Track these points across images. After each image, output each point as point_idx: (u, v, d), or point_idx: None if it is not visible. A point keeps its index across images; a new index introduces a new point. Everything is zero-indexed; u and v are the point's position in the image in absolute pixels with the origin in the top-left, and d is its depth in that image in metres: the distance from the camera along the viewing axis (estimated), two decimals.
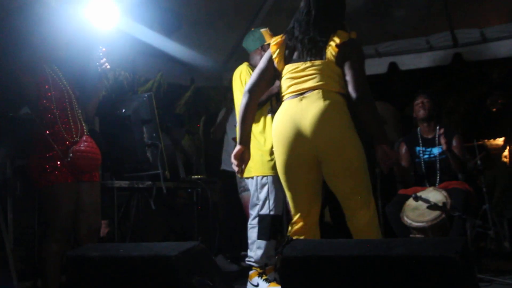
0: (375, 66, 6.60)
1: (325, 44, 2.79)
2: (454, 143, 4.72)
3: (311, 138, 2.73)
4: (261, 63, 2.99)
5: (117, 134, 3.91)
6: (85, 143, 3.25)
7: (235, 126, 4.89)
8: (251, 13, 6.48)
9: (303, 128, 2.74)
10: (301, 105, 2.78)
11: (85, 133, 3.34)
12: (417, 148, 4.89)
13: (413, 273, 1.86)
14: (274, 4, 6.39)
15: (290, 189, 2.89)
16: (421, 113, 4.86)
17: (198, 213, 5.03)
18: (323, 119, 2.72)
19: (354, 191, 2.77)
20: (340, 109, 2.78)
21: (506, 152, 6.08)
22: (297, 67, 2.85)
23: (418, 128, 4.97)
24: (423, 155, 4.82)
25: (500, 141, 6.84)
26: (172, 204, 5.10)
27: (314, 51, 2.81)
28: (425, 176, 4.76)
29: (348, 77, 2.77)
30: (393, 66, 6.65)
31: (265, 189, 3.95)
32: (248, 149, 2.97)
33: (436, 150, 4.79)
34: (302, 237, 2.84)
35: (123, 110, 3.86)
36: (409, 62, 6.67)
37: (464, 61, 6.37)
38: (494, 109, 6.94)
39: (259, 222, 3.98)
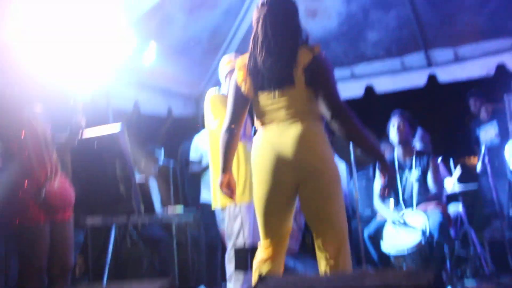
0: (352, 90, 6.64)
1: (291, 68, 2.70)
2: (429, 166, 4.71)
3: (293, 165, 2.69)
4: (231, 95, 2.90)
5: (89, 169, 3.84)
6: (58, 182, 3.22)
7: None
8: (226, 41, 6.50)
9: (285, 156, 2.70)
10: (279, 133, 2.74)
11: (58, 171, 3.30)
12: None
13: None
14: (248, 30, 6.40)
15: (265, 216, 2.82)
16: (396, 136, 4.81)
17: (177, 247, 4.96)
18: (303, 145, 2.68)
19: (329, 215, 2.71)
20: (319, 133, 2.74)
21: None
22: (267, 95, 2.77)
23: (394, 151, 4.96)
24: (400, 178, 4.78)
25: (472, 160, 6.89)
26: (149, 238, 5.01)
27: (280, 78, 2.72)
28: (402, 199, 4.73)
29: (322, 99, 2.71)
30: (369, 90, 6.68)
31: (238, 219, 3.90)
32: (232, 176, 2.94)
33: (412, 174, 4.77)
34: (267, 264, 2.79)
35: (95, 146, 3.80)
36: (385, 84, 6.72)
37: (439, 83, 6.43)
38: (464, 130, 6.99)
39: (235, 254, 3.92)
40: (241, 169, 3.92)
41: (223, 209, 4.06)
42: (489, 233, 5.35)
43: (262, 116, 2.82)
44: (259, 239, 3.83)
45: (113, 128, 3.92)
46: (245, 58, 2.85)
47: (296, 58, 2.70)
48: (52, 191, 3.18)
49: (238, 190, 3.88)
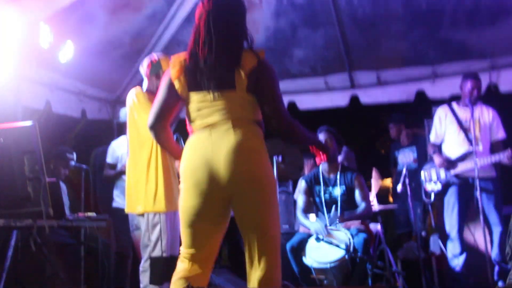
0: None
1: (233, 71, 2.53)
2: (356, 183, 4.71)
3: (227, 177, 2.49)
4: (161, 93, 2.70)
5: None
6: None
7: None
8: (149, 45, 6.28)
9: (218, 166, 2.50)
10: (211, 140, 2.54)
11: None
12: (317, 187, 4.83)
13: None
14: (173, 37, 6.23)
15: (193, 227, 2.61)
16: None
17: (85, 253, 4.65)
18: (236, 155, 2.49)
19: (266, 228, 2.54)
20: (256, 143, 2.57)
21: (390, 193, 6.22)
22: (204, 97, 2.58)
23: (320, 166, 4.92)
24: (324, 193, 4.76)
25: (388, 181, 7.04)
26: (55, 244, 4.66)
27: (221, 79, 2.55)
28: (327, 214, 4.69)
29: (266, 109, 2.58)
30: (292, 105, 6.67)
31: (157, 228, 3.67)
32: None
33: (337, 190, 4.75)
34: (193, 279, 2.58)
35: (1, 140, 3.45)
36: (308, 101, 6.74)
37: (360, 104, 6.52)
38: (382, 151, 7.16)
39: (151, 265, 3.68)
40: (160, 176, 3.71)
41: (139, 215, 3.83)
42: (402, 252, 5.42)
43: (195, 120, 2.62)
44: (177, 251, 3.66)
45: (23, 124, 3.60)
46: (181, 55, 2.67)
47: (240, 60, 2.53)
48: None
49: (158, 198, 3.70)
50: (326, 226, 4.50)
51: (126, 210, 3.92)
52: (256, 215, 2.53)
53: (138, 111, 3.76)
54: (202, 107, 2.59)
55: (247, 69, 2.51)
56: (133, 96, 3.85)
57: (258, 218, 2.54)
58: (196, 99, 2.61)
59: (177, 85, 2.63)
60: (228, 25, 2.60)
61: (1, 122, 3.83)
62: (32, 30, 4.91)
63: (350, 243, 4.18)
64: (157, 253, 3.66)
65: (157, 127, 2.72)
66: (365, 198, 4.71)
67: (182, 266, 2.64)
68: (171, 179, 3.72)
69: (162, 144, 2.85)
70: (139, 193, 3.75)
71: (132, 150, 3.85)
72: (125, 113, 4.34)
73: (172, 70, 2.64)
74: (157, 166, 3.71)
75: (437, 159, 4.94)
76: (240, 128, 2.54)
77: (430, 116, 5.75)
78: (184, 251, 2.66)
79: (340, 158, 5.05)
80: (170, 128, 2.85)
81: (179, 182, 2.79)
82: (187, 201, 2.59)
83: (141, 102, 3.77)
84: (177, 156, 2.86)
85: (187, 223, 2.61)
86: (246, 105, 2.57)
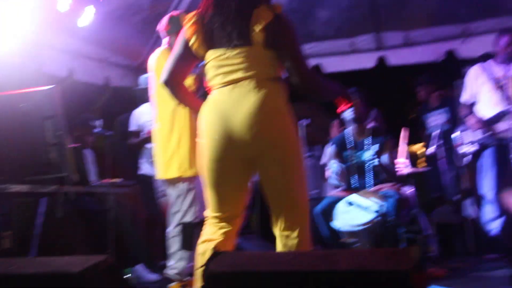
0: None
1: (248, 26, 2.44)
2: (386, 146, 4.59)
3: (247, 137, 2.40)
4: (177, 50, 2.62)
5: (15, 132, 3.42)
6: None
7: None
8: (169, 9, 6.14)
9: (235, 127, 2.41)
10: (232, 98, 2.44)
11: None
12: (346, 152, 4.70)
13: None
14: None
15: (212, 189, 2.54)
16: (351, 114, 4.61)
17: (114, 220, 4.62)
18: (257, 116, 2.39)
19: (291, 191, 2.45)
20: (276, 100, 2.45)
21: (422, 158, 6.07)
22: (222, 54, 2.49)
23: (348, 129, 4.77)
24: (353, 158, 4.63)
25: (416, 147, 6.87)
26: (82, 210, 4.65)
27: (238, 35, 2.46)
28: (355, 180, 4.56)
29: (286, 66, 2.47)
30: (317, 69, 6.53)
31: (190, 194, 3.62)
32: None
33: (366, 154, 4.61)
34: (211, 239, 2.53)
35: (22, 105, 3.39)
36: (333, 64, 6.59)
37: (387, 66, 6.34)
38: (411, 116, 6.98)
39: (183, 231, 3.65)
40: (190, 141, 3.62)
41: (170, 182, 3.77)
42: (435, 216, 5.30)
43: (215, 77, 2.53)
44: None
45: (44, 88, 3.52)
46: (196, 13, 2.58)
47: (255, 15, 2.44)
48: None
49: (191, 163, 3.62)
50: (357, 190, 4.40)
51: (158, 177, 3.87)
52: (280, 180, 2.44)
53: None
54: (221, 64, 2.50)
55: (263, 24, 2.42)
56: (156, 58, 3.76)
57: (282, 183, 2.44)
58: (214, 57, 2.52)
59: (192, 43, 2.55)
60: None
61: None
62: None
63: (381, 206, 4.07)
64: (188, 218, 3.62)
65: (171, 84, 2.63)
66: (394, 162, 4.58)
67: (208, 230, 2.57)
68: (189, 145, 3.64)
69: (181, 99, 2.73)
70: (170, 159, 3.70)
71: (160, 115, 3.78)
72: (146, 80, 4.26)
73: (188, 28, 2.56)
74: (187, 131, 3.64)
75: (471, 120, 4.75)
76: (263, 87, 2.43)
77: (460, 76, 5.55)
78: (209, 213, 2.59)
79: (369, 121, 4.89)
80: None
81: None
82: (207, 162, 2.51)
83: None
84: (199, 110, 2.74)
85: (208, 183, 2.54)
86: (266, 62, 2.47)
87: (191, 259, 3.60)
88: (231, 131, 2.42)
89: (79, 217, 4.77)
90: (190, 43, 2.55)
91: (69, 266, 1.98)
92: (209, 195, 2.56)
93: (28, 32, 4.93)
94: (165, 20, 3.87)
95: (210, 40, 2.52)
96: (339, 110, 2.80)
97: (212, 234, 2.55)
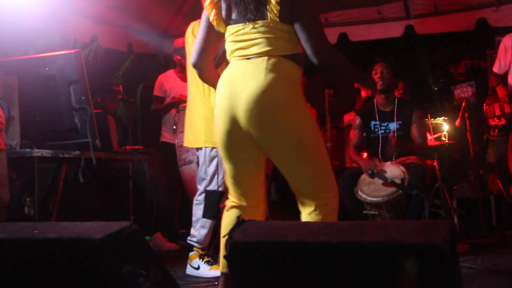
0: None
1: (265, 0, 2.34)
2: (414, 118, 4.48)
3: (245, 118, 2.33)
4: (200, 28, 2.57)
5: (39, 96, 3.39)
6: None
7: None
8: None
9: (240, 105, 2.34)
10: (243, 74, 2.37)
11: None
12: (373, 122, 4.60)
13: (390, 263, 1.54)
14: None
15: (225, 160, 2.49)
16: (379, 84, 4.47)
17: (133, 187, 4.62)
18: (259, 101, 2.30)
19: (301, 166, 2.36)
20: (283, 85, 2.34)
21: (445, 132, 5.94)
22: (239, 30, 2.42)
23: (375, 100, 4.67)
24: (379, 129, 4.54)
25: (440, 120, 6.75)
26: (104, 177, 4.65)
27: (255, 8, 2.35)
28: (381, 151, 4.48)
29: (302, 41, 2.35)
30: (343, 37, 6.39)
31: (214, 162, 3.61)
32: None
33: (393, 125, 4.52)
34: (236, 206, 2.50)
35: (47, 69, 3.36)
36: (360, 33, 6.45)
37: (416, 34, 6.17)
38: (435, 88, 6.84)
39: (206, 199, 3.65)
40: (210, 112, 3.58)
41: (197, 150, 3.77)
42: (459, 191, 5.21)
43: (233, 52, 2.47)
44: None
45: (68, 52, 3.49)
46: None
47: None
48: None
49: (211, 134, 3.59)
50: (379, 161, 4.32)
51: (185, 144, 3.88)
52: (285, 154, 2.37)
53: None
54: (238, 40, 2.43)
55: None
56: (192, 26, 3.75)
57: (289, 157, 2.36)
58: (232, 32, 2.45)
59: (212, 20, 2.48)
60: None
61: None
62: None
63: (405, 177, 4.00)
64: (212, 187, 3.62)
65: (200, 65, 2.60)
66: (422, 134, 4.48)
67: (231, 199, 2.55)
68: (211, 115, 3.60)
69: (207, 81, 2.72)
70: (198, 127, 3.70)
71: (190, 84, 3.78)
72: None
73: (207, 5, 2.50)
74: (211, 97, 3.60)
75: (501, 91, 4.62)
76: (274, 68, 2.32)
77: (492, 46, 5.40)
78: (228, 185, 2.55)
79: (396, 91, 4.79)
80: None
81: None
82: (218, 134, 2.47)
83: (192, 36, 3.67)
84: None
85: (222, 155, 2.51)
86: (283, 36, 2.36)
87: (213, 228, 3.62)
88: (237, 107, 2.36)
89: (101, 184, 4.78)
90: (211, 20, 2.49)
91: (92, 231, 1.96)
92: (226, 170, 2.52)
93: None
94: None
95: (228, 15, 2.45)
96: (363, 95, 2.70)
97: (235, 202, 2.52)
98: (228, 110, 2.39)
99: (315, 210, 2.34)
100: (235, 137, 2.41)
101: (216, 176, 3.60)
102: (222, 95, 2.44)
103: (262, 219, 2.54)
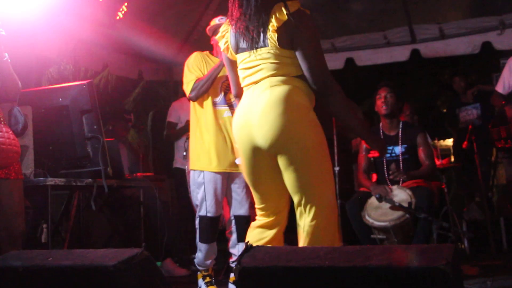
0: (332, 62, 6.39)
1: (263, 26, 2.43)
2: (418, 140, 4.51)
3: (259, 137, 2.42)
4: (225, 63, 2.74)
5: (53, 126, 3.49)
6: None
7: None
8: (203, 3, 6.16)
9: (253, 127, 2.44)
10: (251, 99, 2.48)
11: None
12: None
13: (395, 286, 1.59)
14: None
15: (252, 186, 2.58)
16: (383, 108, 4.53)
17: (144, 214, 4.68)
18: (267, 116, 2.38)
19: (304, 188, 2.40)
20: (288, 97, 2.40)
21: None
22: (246, 58, 2.53)
23: (380, 124, 4.71)
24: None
25: (449, 141, 6.78)
26: (115, 204, 4.71)
27: (257, 36, 2.45)
28: (387, 175, 4.49)
29: (304, 70, 2.42)
30: (349, 61, 6.47)
31: (202, 188, 3.72)
32: None
33: (398, 149, 4.54)
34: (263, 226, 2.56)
35: (60, 99, 3.45)
36: (366, 57, 6.51)
37: (422, 57, 6.24)
38: (444, 110, 6.87)
39: (199, 224, 3.81)
40: (205, 136, 3.79)
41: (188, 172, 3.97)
42: (467, 213, 5.22)
43: (243, 80, 2.58)
44: (221, 211, 3.82)
45: (80, 83, 3.60)
46: (226, 21, 2.66)
47: (272, 14, 2.42)
48: None
49: (203, 158, 3.78)
50: (387, 186, 4.35)
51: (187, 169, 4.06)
52: (292, 175, 2.42)
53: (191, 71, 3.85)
54: (247, 67, 2.53)
55: (277, 24, 2.39)
56: (189, 57, 3.97)
57: (295, 178, 2.41)
58: (241, 60, 2.56)
59: (224, 49, 2.63)
60: None
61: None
62: None
63: (412, 201, 4.02)
64: (202, 212, 3.75)
65: (241, 94, 2.67)
66: (429, 156, 4.50)
67: (258, 219, 2.61)
68: (215, 140, 3.75)
69: None
70: (191, 152, 3.91)
71: (191, 111, 3.99)
72: None
73: (219, 37, 2.65)
74: (202, 129, 3.80)
75: (510, 112, 4.63)
76: (278, 85, 2.41)
77: (497, 69, 5.44)
78: (256, 207, 2.63)
79: (401, 114, 4.82)
80: None
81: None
82: (241, 161, 2.57)
83: (192, 64, 3.90)
84: None
85: (247, 182, 2.60)
86: (285, 61, 2.43)
87: (209, 252, 3.78)
88: (252, 131, 2.44)
89: (112, 210, 4.84)
90: (222, 50, 2.64)
91: (105, 258, 2.02)
92: (253, 194, 2.62)
93: (65, 27, 5.02)
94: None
95: (236, 44, 2.56)
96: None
97: (262, 222, 2.58)
98: (245, 136, 2.48)
99: (311, 220, 2.37)
100: (257, 161, 2.49)
101: (204, 202, 3.71)
102: (236, 125, 2.55)
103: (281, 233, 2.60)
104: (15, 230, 2.91)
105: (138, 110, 7.82)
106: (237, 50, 2.56)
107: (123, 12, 5.26)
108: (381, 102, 4.53)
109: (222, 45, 2.63)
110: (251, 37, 2.47)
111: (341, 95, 2.45)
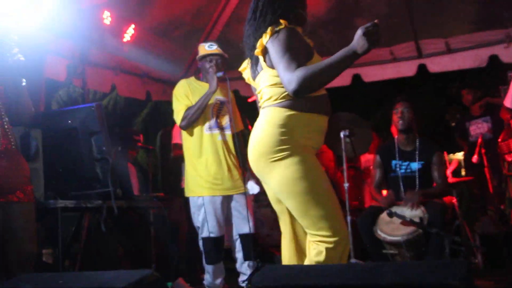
0: (339, 78, 6.35)
1: (253, 51, 2.54)
2: (435, 159, 4.44)
3: (253, 166, 2.56)
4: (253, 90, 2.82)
5: (62, 148, 3.50)
6: (6, 156, 2.86)
7: None
8: (209, 23, 6.21)
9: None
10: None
11: (11, 144, 2.93)
12: (393, 162, 4.55)
13: None
14: (232, 13, 6.15)
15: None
16: (400, 123, 4.47)
17: (155, 234, 4.67)
18: (250, 149, 2.54)
19: (296, 209, 2.43)
20: (269, 128, 2.45)
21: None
22: (255, 83, 2.65)
23: (395, 139, 4.64)
24: (400, 169, 4.50)
25: (459, 155, 6.74)
26: (125, 224, 4.70)
27: (254, 63, 2.57)
28: (401, 191, 4.43)
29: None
30: (356, 78, 6.48)
31: (202, 210, 3.78)
32: None
33: (415, 165, 4.46)
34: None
35: (69, 122, 3.47)
36: (373, 73, 6.53)
37: (429, 72, 6.24)
38: (453, 124, 6.85)
39: (203, 246, 3.88)
40: (198, 163, 3.94)
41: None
42: (480, 227, 5.16)
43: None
44: (223, 231, 3.91)
45: (88, 105, 3.63)
46: None
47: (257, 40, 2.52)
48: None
49: (199, 184, 3.91)
50: (399, 200, 4.31)
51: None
52: (282, 198, 2.51)
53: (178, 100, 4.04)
54: (257, 92, 2.63)
55: (262, 47, 2.47)
56: (177, 85, 4.22)
57: (285, 201, 2.49)
58: (253, 86, 2.69)
59: (248, 79, 2.72)
60: (256, 8, 2.56)
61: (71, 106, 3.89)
62: (94, 12, 4.98)
63: (424, 216, 3.99)
64: (205, 234, 3.84)
65: None
66: (442, 175, 4.44)
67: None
68: (213, 165, 3.88)
69: None
70: (186, 178, 4.08)
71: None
72: None
73: (241, 69, 2.75)
74: (201, 150, 3.94)
75: None
76: (266, 114, 2.50)
77: (505, 82, 5.42)
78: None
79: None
80: None
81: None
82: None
83: (179, 92, 4.17)
84: None
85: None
86: (278, 81, 2.44)
87: (216, 272, 3.84)
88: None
89: (122, 231, 4.83)
90: (246, 79, 2.73)
91: (115, 281, 2.02)
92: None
93: (73, 51, 5.07)
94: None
95: (249, 72, 2.67)
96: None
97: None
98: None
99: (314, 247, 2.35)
100: (269, 191, 2.61)
101: (205, 223, 3.73)
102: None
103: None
104: (26, 253, 2.91)
105: (147, 129, 7.85)
106: (251, 77, 2.66)
107: (130, 34, 5.32)
108: (398, 117, 4.48)
109: (245, 76, 2.72)
110: (251, 63, 2.60)
111: (310, 78, 2.32)
